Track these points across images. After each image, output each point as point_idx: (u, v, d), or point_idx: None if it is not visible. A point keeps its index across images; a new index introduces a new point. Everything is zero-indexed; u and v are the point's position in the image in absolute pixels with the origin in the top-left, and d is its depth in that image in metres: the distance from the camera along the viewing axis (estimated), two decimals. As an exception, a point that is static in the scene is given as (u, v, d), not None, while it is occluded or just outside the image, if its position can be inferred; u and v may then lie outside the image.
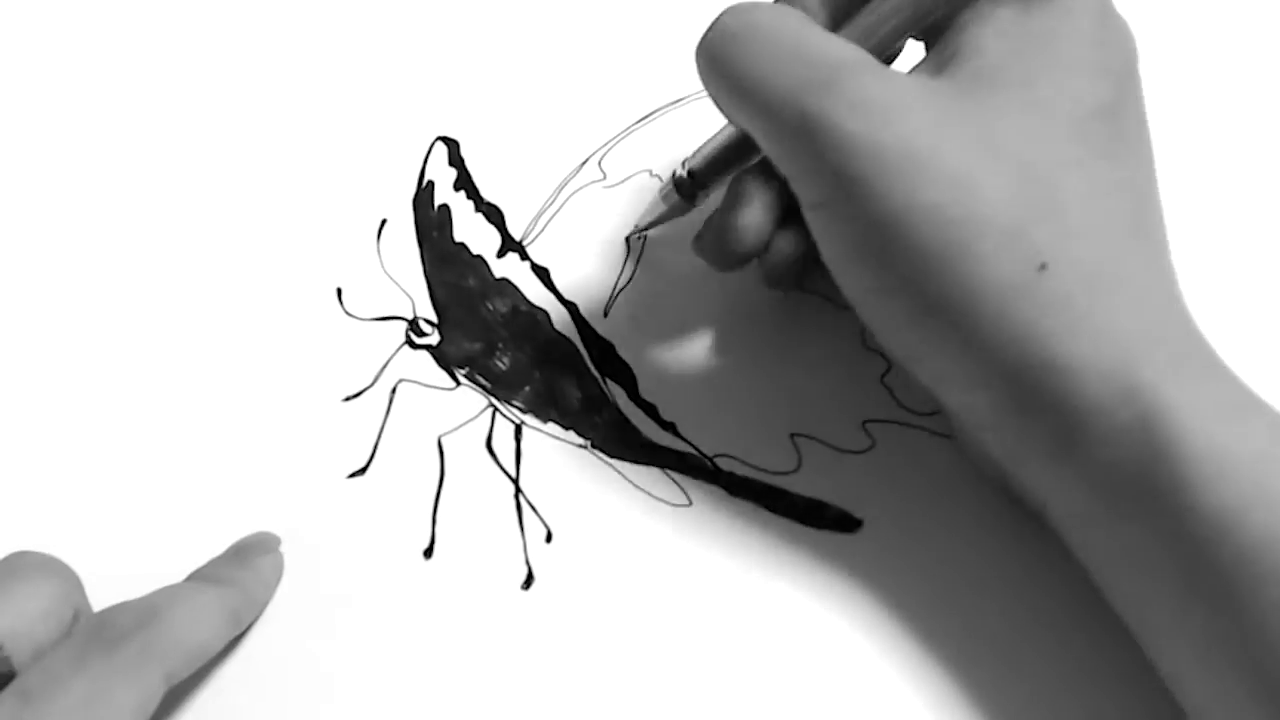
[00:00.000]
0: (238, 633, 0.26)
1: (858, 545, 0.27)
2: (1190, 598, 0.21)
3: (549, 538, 0.28)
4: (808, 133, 0.23)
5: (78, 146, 0.34)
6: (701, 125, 0.33)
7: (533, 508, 0.28)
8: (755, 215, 0.27)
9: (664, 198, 0.30)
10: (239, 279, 0.32)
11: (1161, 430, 0.21)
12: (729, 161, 0.28)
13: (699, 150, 0.29)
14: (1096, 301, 0.22)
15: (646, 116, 0.34)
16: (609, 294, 0.31)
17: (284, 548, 0.28)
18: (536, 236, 0.32)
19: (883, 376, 0.30)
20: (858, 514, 0.28)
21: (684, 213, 0.30)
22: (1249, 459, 0.21)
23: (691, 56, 0.34)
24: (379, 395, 0.30)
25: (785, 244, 0.27)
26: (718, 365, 0.30)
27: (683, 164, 0.29)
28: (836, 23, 0.26)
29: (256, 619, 0.27)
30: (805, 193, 0.24)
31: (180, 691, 0.26)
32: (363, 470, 0.29)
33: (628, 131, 0.34)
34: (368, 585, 0.27)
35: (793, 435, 0.29)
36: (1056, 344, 0.22)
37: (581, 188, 0.32)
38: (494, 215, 0.33)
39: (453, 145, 0.34)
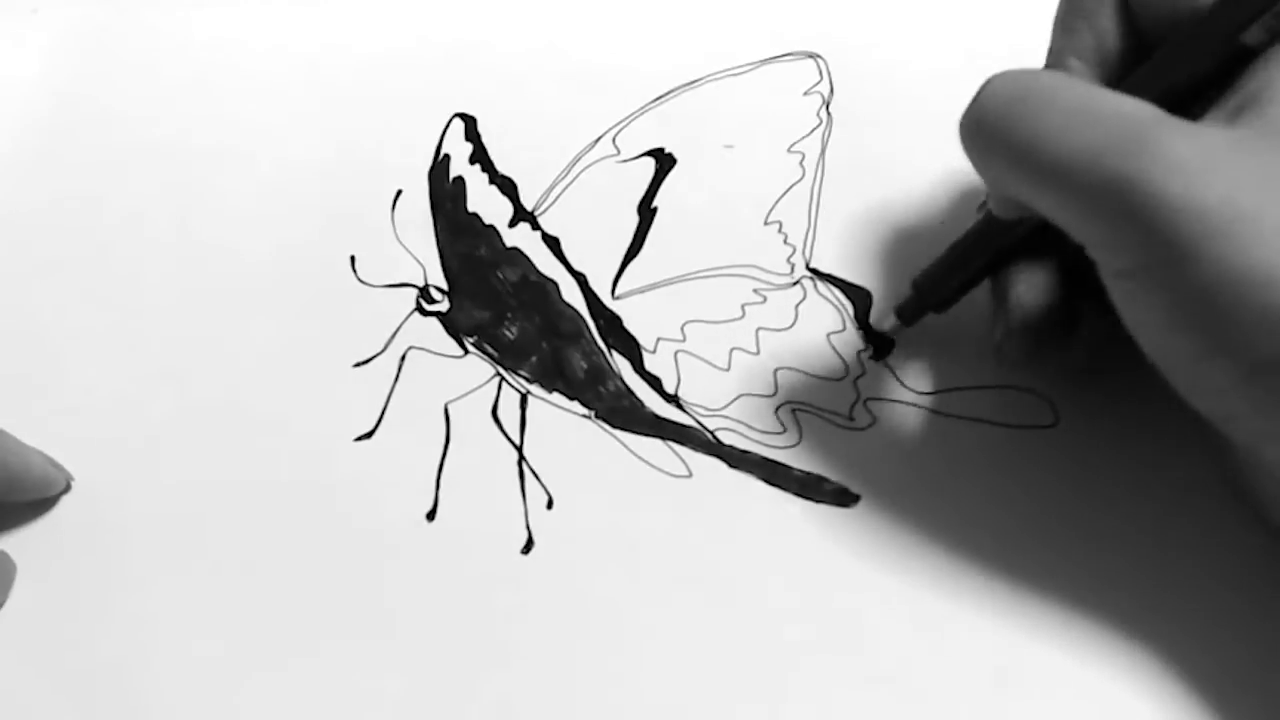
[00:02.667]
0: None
1: (855, 520, 0.28)
2: None
3: (550, 504, 0.28)
4: (1119, 197, 0.21)
5: (95, 118, 0.35)
6: (713, 107, 0.34)
7: (535, 475, 0.29)
8: (1048, 298, 0.26)
9: (885, 324, 0.30)
10: (258, 245, 0.32)
11: None
12: (964, 270, 0.27)
13: (932, 269, 0.28)
14: None
15: (661, 96, 0.34)
16: (618, 266, 0.32)
17: (291, 508, 0.28)
18: (548, 208, 0.33)
19: (884, 357, 0.30)
20: (855, 489, 0.28)
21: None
22: None
23: (707, 38, 0.35)
24: (389, 362, 0.30)
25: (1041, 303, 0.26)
26: (722, 340, 0.30)
27: (912, 286, 0.29)
28: (1110, 84, 0.25)
29: None
30: (1114, 260, 0.23)
31: (193, 636, 0.27)
32: (370, 434, 0.29)
33: (642, 110, 0.34)
34: (371, 545, 0.28)
35: (794, 410, 0.29)
36: None
37: (595, 163, 0.33)
38: (507, 187, 0.33)
39: (470, 121, 0.34)
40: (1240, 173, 0.21)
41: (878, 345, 0.30)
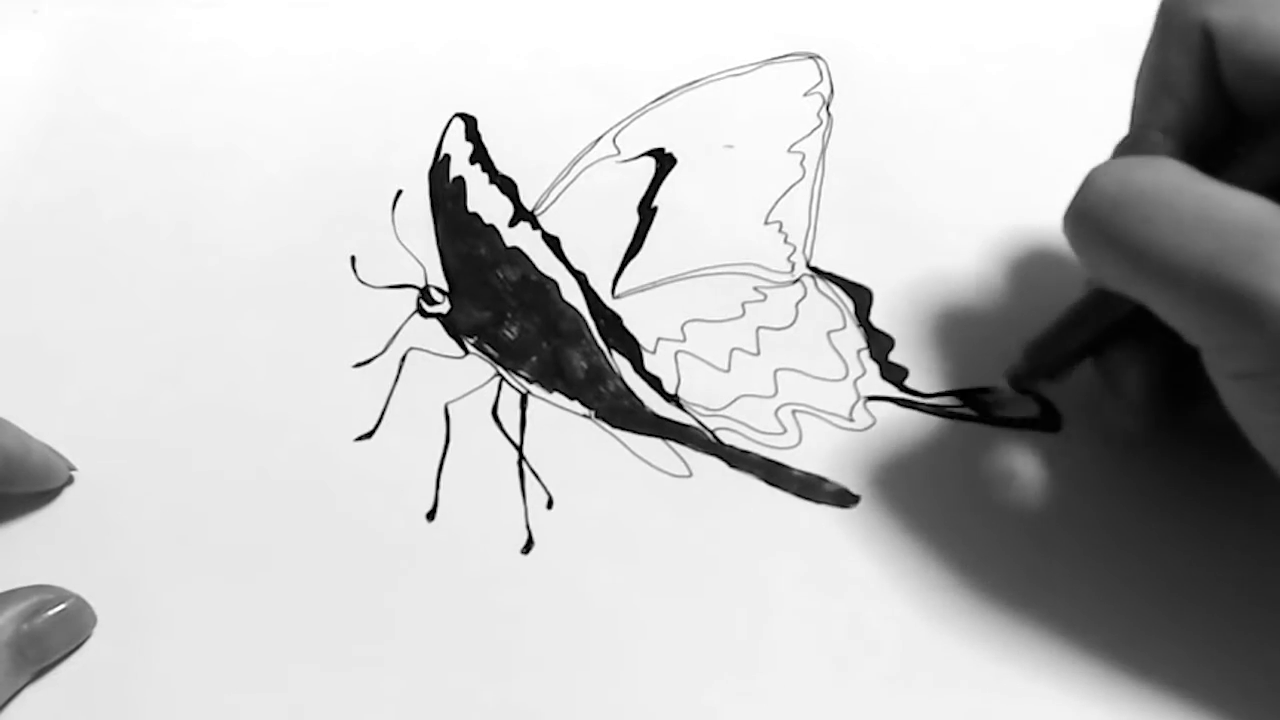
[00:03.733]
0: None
1: (855, 520, 0.28)
2: None
3: (550, 504, 0.28)
4: (1238, 306, 0.21)
5: (98, 117, 0.35)
6: (713, 107, 0.34)
7: (535, 474, 0.29)
8: (1142, 385, 0.26)
9: (1002, 390, 0.29)
10: (258, 245, 0.32)
11: None
12: (1074, 338, 0.27)
13: (1044, 338, 0.27)
14: None
15: (661, 96, 0.34)
16: (618, 266, 0.32)
17: (291, 507, 0.28)
18: (548, 208, 0.33)
19: (886, 356, 0.30)
20: (855, 490, 0.28)
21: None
22: None
23: (707, 38, 0.35)
24: (389, 362, 0.30)
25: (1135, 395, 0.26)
26: (722, 339, 0.30)
27: (1025, 353, 0.28)
28: (1191, 152, 0.24)
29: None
30: (1231, 364, 0.22)
31: (193, 636, 0.27)
32: (370, 434, 0.29)
33: (642, 110, 0.34)
34: (371, 545, 0.28)
35: (794, 411, 0.29)
36: None
37: (595, 163, 0.33)
38: (507, 186, 0.33)
39: (470, 121, 0.34)
40: None
41: (877, 344, 0.30)
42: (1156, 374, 0.25)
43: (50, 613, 0.26)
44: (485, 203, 0.33)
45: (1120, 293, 0.23)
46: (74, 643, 0.27)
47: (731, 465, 0.29)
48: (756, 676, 0.26)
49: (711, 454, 0.29)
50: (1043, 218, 0.29)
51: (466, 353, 0.31)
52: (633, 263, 0.32)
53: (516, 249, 0.32)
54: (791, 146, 0.33)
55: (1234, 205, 0.21)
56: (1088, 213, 0.23)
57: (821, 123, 0.33)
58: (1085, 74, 0.34)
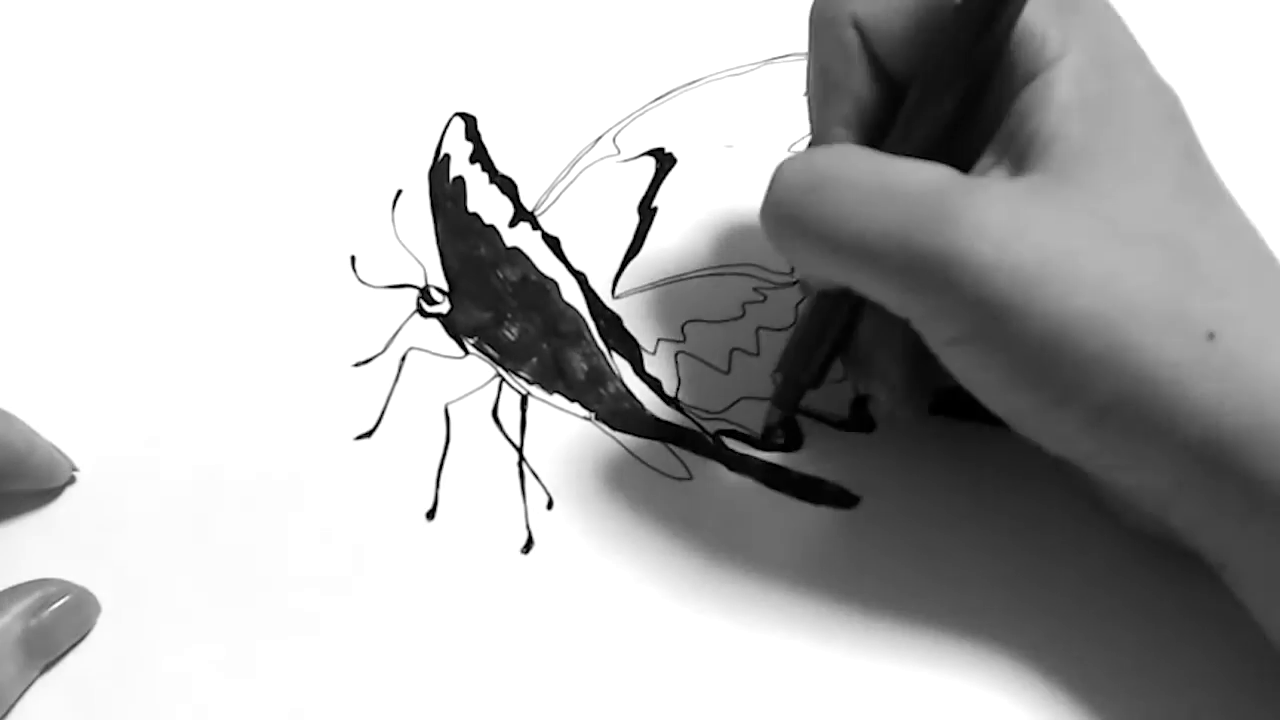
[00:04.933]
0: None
1: (854, 522, 0.28)
2: None
3: (550, 505, 0.28)
4: (934, 270, 0.21)
5: (102, 115, 0.35)
6: (713, 107, 0.34)
7: (535, 475, 0.29)
8: (896, 368, 0.26)
9: (769, 418, 0.29)
10: (258, 245, 0.32)
11: None
12: (817, 346, 0.27)
13: (788, 353, 0.27)
14: (1264, 354, 0.21)
15: (661, 96, 0.34)
16: (618, 266, 0.32)
17: (291, 506, 0.28)
18: (549, 208, 0.33)
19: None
20: (855, 491, 0.28)
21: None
22: None
23: (707, 38, 0.35)
24: (389, 362, 0.30)
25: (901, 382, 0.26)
26: (722, 340, 0.30)
27: (772, 376, 0.28)
28: (872, 139, 0.25)
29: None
30: (942, 330, 0.23)
31: (193, 635, 0.27)
32: (370, 433, 0.29)
33: (642, 110, 0.34)
34: (371, 544, 0.28)
35: (794, 414, 0.29)
36: (1237, 412, 0.21)
37: (595, 163, 0.33)
38: (508, 187, 0.33)
39: (470, 120, 0.34)
40: (1045, 225, 0.21)
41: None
42: (900, 350, 0.26)
43: (56, 606, 0.26)
44: (485, 203, 0.33)
45: (826, 284, 0.24)
46: (80, 634, 0.27)
47: (731, 468, 0.29)
48: (757, 677, 0.26)
49: (711, 457, 0.29)
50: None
51: (467, 353, 0.31)
52: (633, 263, 0.32)
53: (517, 249, 0.32)
54: (791, 146, 0.33)
55: (913, 174, 0.22)
56: (779, 206, 0.23)
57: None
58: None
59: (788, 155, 0.23)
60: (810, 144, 0.26)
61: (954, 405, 0.28)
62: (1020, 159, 0.23)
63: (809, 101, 0.26)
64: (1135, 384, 0.21)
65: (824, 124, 0.26)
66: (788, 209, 0.23)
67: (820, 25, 0.25)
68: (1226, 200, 0.23)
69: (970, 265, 0.21)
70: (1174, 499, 0.23)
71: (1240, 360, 0.21)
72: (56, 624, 0.26)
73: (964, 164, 0.23)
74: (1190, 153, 0.23)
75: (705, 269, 0.32)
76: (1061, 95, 0.22)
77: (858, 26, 0.25)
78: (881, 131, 0.25)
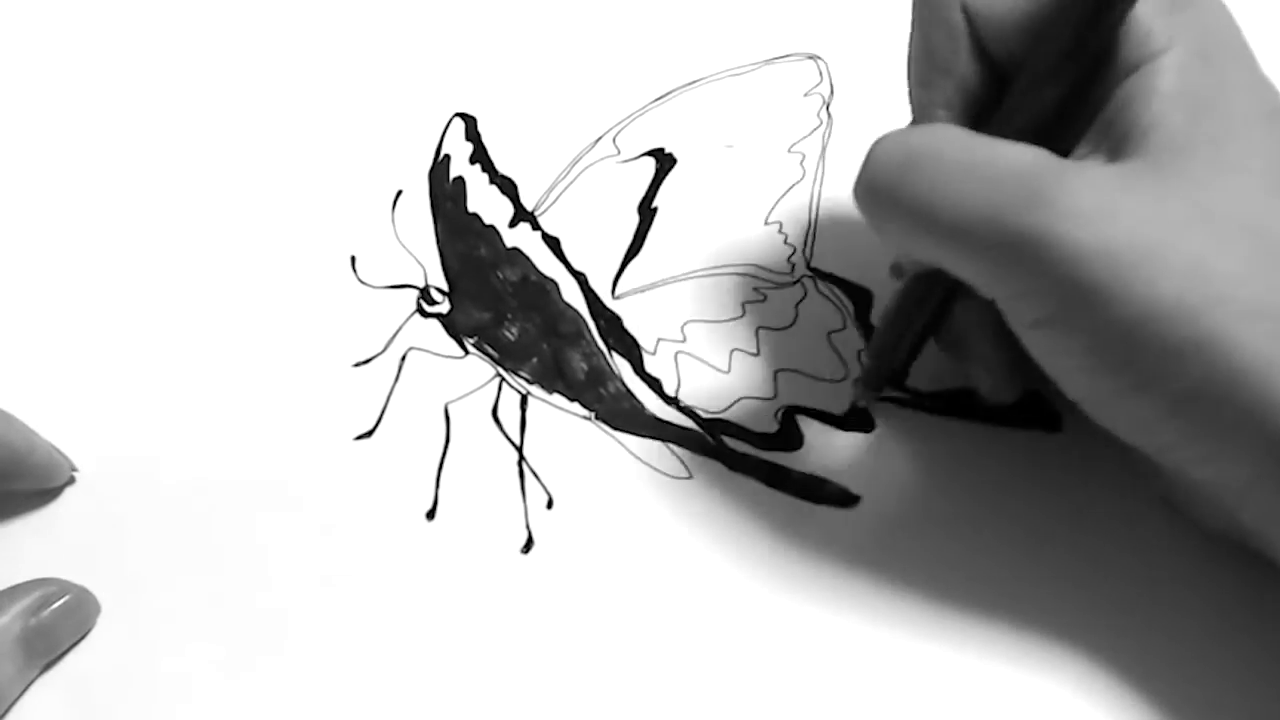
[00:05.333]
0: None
1: (855, 521, 0.28)
2: None
3: (550, 504, 0.28)
4: (1025, 252, 0.22)
5: (102, 115, 0.35)
6: (713, 107, 0.34)
7: (535, 475, 0.29)
8: (993, 351, 0.26)
9: (857, 397, 0.29)
10: (259, 246, 0.32)
11: None
12: (908, 328, 0.27)
13: (876, 343, 0.28)
14: None
15: (661, 96, 0.34)
16: (618, 266, 0.32)
17: (291, 506, 0.28)
18: (549, 208, 0.33)
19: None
20: (856, 491, 0.28)
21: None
22: None
23: (707, 39, 0.35)
24: (389, 362, 0.30)
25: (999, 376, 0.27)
26: (722, 339, 0.30)
27: (859, 355, 0.29)
28: (974, 125, 0.25)
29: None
30: (1028, 312, 0.23)
31: (193, 635, 0.27)
32: (370, 433, 0.29)
33: (643, 110, 0.34)
34: (371, 543, 0.28)
35: (794, 414, 0.29)
36: None
37: (595, 163, 0.33)
38: (508, 187, 0.33)
39: (470, 121, 0.34)
40: (1138, 210, 0.21)
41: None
42: (995, 332, 0.25)
43: (55, 605, 0.26)
44: (485, 203, 0.33)
45: (918, 261, 0.24)
46: (80, 633, 0.27)
47: (732, 467, 0.29)
48: (757, 677, 0.26)
49: (712, 456, 0.29)
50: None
51: (466, 353, 0.31)
52: (633, 263, 0.32)
53: (517, 249, 0.32)
54: (791, 146, 0.33)
55: (1008, 154, 0.22)
56: (873, 182, 0.23)
57: (821, 123, 0.33)
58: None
59: (885, 134, 0.24)
60: (910, 124, 0.26)
61: (960, 405, 0.28)
62: (1117, 147, 0.23)
63: (909, 82, 0.26)
64: (1218, 374, 0.21)
65: (925, 105, 0.26)
66: (882, 185, 0.23)
67: (928, 6, 0.25)
68: None
69: (1061, 247, 0.21)
70: (1249, 494, 0.23)
71: None
72: (56, 624, 0.26)
73: (1063, 153, 0.23)
74: None
75: (705, 269, 0.32)
76: (1164, 86, 0.23)
77: (966, 10, 0.25)
78: (983, 117, 0.25)
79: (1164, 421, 0.22)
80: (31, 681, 0.26)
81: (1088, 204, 0.21)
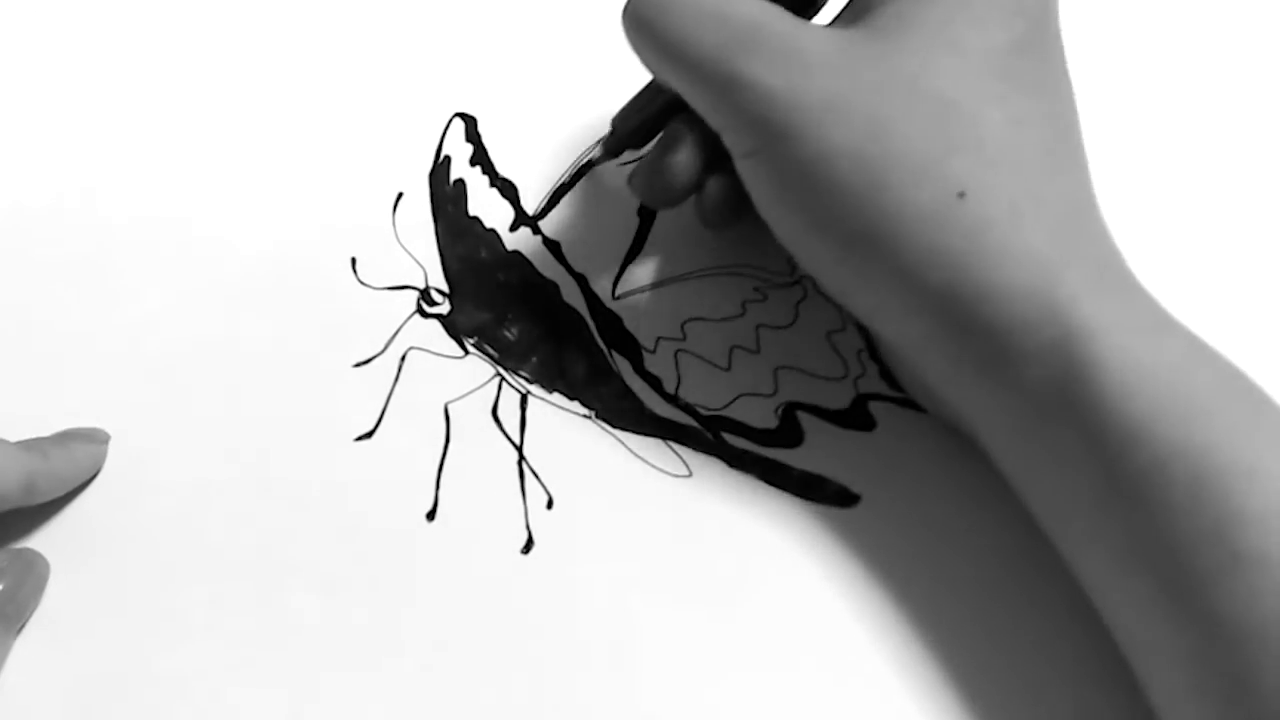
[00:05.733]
0: (31, 501, 0.27)
1: (855, 520, 0.28)
2: (1108, 504, 0.23)
3: (550, 504, 0.28)
4: (733, 89, 0.25)
5: (102, 115, 0.35)
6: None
7: (535, 475, 0.29)
8: (685, 157, 0.28)
9: (593, 155, 0.31)
10: (259, 246, 0.32)
11: (1080, 346, 0.23)
12: (653, 116, 0.30)
13: (624, 109, 0.30)
14: (1016, 226, 0.23)
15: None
16: (617, 268, 0.32)
17: (291, 506, 0.28)
18: (549, 210, 0.33)
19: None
20: (856, 489, 0.28)
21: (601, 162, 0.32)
22: (1162, 372, 0.22)
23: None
24: (389, 362, 0.30)
25: (716, 187, 0.29)
26: (722, 338, 0.30)
27: (611, 124, 0.31)
28: None
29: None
30: (735, 144, 0.26)
31: (192, 635, 0.27)
32: (370, 434, 0.29)
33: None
34: (371, 545, 0.28)
35: (795, 411, 0.29)
36: (979, 268, 0.23)
37: (595, 164, 0.33)
38: (508, 190, 0.33)
39: (470, 122, 0.34)
40: (837, 66, 0.24)
41: (877, 344, 0.30)
42: (702, 146, 0.28)
43: (11, 569, 0.27)
44: (486, 205, 0.33)
45: (664, 82, 0.27)
46: (40, 591, 0.27)
47: (731, 465, 0.29)
48: (756, 676, 0.26)
49: (711, 454, 0.29)
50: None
51: (466, 353, 0.31)
52: (633, 264, 0.32)
53: (517, 252, 0.32)
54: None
55: (744, 6, 0.26)
56: (634, 11, 0.27)
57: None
58: (1084, 72, 0.34)
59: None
60: None
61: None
62: (856, 17, 0.26)
63: None
64: (884, 222, 0.24)
65: None
66: (639, 14, 0.27)
67: None
68: (1050, 99, 0.25)
69: (759, 90, 0.25)
70: (924, 351, 0.25)
71: (987, 223, 0.23)
72: (18, 585, 0.27)
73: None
74: (1022, 46, 0.25)
75: (705, 269, 0.32)
76: None
77: None
78: None
79: (840, 264, 0.25)
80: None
81: (790, 53, 0.25)
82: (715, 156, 0.28)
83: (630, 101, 0.30)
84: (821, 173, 0.24)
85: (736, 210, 0.29)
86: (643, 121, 0.30)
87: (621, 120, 0.31)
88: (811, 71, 0.24)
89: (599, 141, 0.31)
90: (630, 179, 0.30)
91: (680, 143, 0.28)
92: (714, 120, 0.26)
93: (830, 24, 0.26)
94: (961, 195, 0.23)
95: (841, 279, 0.26)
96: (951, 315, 0.24)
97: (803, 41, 0.25)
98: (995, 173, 0.24)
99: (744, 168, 0.26)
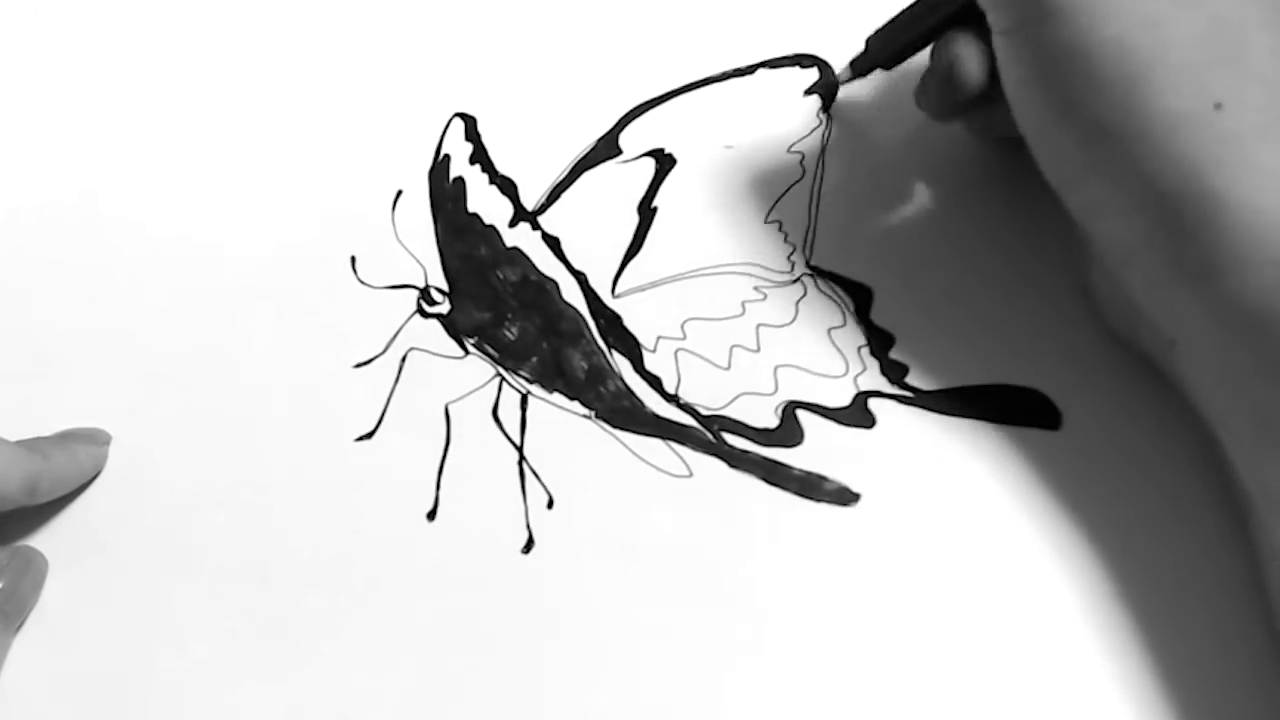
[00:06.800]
0: (33, 502, 0.27)
1: (855, 519, 0.28)
2: None
3: (550, 504, 0.28)
4: None
5: (102, 114, 0.35)
6: (713, 107, 0.34)
7: (535, 475, 0.29)
8: (974, 57, 0.28)
9: (841, 76, 0.33)
10: (259, 245, 0.32)
11: None
12: (917, 37, 0.30)
13: (883, 30, 0.31)
14: (1265, 145, 0.23)
15: (661, 96, 0.34)
16: (617, 266, 0.32)
17: (292, 507, 0.28)
18: (549, 208, 0.33)
19: (887, 353, 0.30)
20: (856, 488, 0.28)
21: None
22: None
23: (707, 40, 0.35)
24: (389, 362, 0.30)
25: (971, 59, 0.28)
26: (722, 337, 0.30)
27: (865, 43, 0.32)
28: None
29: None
30: (999, 18, 0.26)
31: (193, 635, 0.27)
32: (370, 434, 0.29)
33: (643, 110, 0.34)
34: (371, 545, 0.28)
35: (795, 410, 0.29)
36: (1219, 176, 0.23)
37: (595, 163, 0.33)
38: (507, 187, 0.33)
39: (470, 121, 0.34)
40: None
41: (877, 341, 0.30)
42: (978, 53, 0.28)
43: (10, 566, 0.27)
44: (485, 203, 0.33)
45: None
46: (39, 588, 0.28)
47: (732, 465, 0.29)
48: (756, 675, 0.26)
49: (712, 453, 0.29)
50: (1042, 216, 0.29)
51: (467, 353, 0.31)
52: (633, 263, 0.32)
53: (516, 249, 0.32)
54: (791, 146, 0.33)
55: None
56: None
57: (821, 123, 0.33)
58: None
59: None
60: None
61: (960, 404, 0.29)
62: None
63: None
64: (1134, 118, 0.24)
65: None
66: None
67: None
68: None
69: None
70: (1139, 252, 0.25)
71: (1237, 137, 0.23)
72: (17, 582, 0.27)
73: None
74: None
75: (705, 269, 0.32)
76: None
77: None
78: None
79: (1076, 151, 0.25)
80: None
81: None
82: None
83: (890, 22, 0.31)
84: (1082, 58, 0.24)
85: (978, 93, 0.29)
86: (905, 41, 0.31)
87: (881, 40, 0.31)
88: None
89: (850, 63, 0.32)
90: (918, 94, 0.30)
91: (966, 46, 0.28)
92: None
93: None
94: (1218, 106, 0.23)
95: (1073, 168, 0.26)
96: (1179, 217, 0.24)
97: None
98: (1254, 91, 0.24)
99: (1003, 44, 0.26)
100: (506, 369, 0.30)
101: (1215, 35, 0.24)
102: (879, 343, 0.30)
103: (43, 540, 0.28)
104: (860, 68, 0.32)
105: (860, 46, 0.32)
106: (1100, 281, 0.29)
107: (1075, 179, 0.26)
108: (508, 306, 0.31)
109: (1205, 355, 0.25)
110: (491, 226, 0.32)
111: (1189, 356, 0.26)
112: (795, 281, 0.31)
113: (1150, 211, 0.24)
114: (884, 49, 0.31)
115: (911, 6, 0.30)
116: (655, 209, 0.32)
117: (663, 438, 0.29)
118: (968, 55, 0.28)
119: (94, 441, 0.29)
